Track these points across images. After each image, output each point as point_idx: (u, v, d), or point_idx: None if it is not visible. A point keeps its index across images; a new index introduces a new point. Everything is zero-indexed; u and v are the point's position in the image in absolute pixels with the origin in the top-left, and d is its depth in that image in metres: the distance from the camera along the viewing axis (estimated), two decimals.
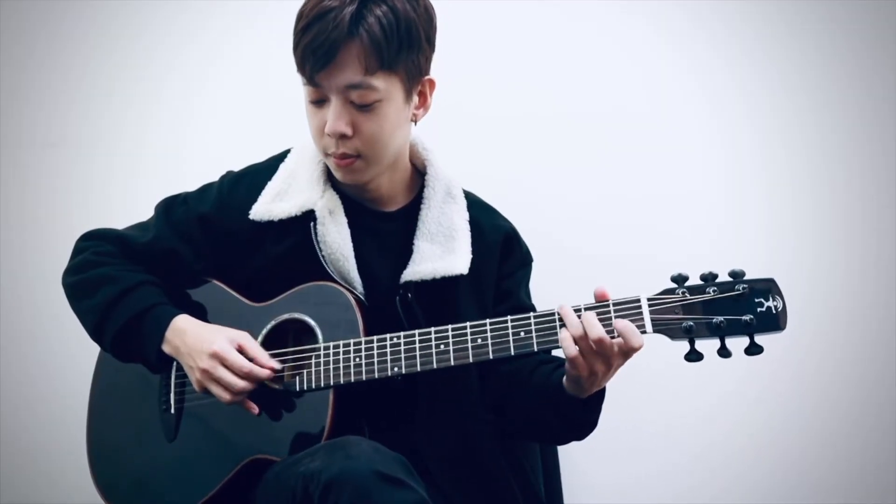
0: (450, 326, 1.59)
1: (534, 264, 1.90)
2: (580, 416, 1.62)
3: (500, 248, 1.83)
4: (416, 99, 1.70)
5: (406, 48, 1.61)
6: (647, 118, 2.29)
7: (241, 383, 1.62)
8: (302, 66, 1.62)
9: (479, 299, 1.78)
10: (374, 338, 1.62)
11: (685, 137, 2.28)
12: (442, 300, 1.73)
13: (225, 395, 1.64)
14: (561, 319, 1.52)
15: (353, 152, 1.66)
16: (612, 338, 1.48)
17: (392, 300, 1.71)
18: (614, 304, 1.50)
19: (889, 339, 2.17)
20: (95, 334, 1.76)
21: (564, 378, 1.57)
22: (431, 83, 1.72)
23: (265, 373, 1.64)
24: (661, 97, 2.29)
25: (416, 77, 1.67)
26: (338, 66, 1.59)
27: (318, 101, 1.65)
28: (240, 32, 2.41)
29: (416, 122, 1.74)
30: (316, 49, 1.58)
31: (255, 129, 2.37)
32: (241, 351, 1.66)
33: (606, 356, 1.49)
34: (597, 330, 1.47)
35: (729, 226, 2.25)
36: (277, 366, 1.66)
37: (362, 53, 1.59)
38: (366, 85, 1.61)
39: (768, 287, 1.45)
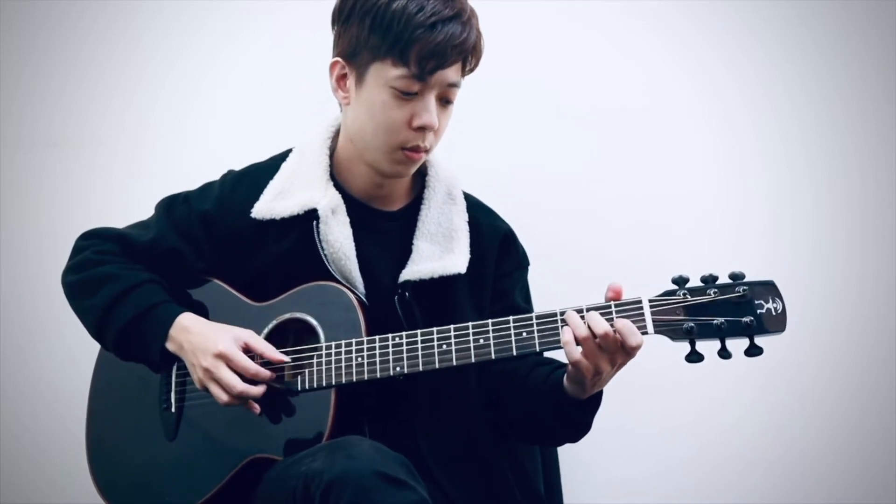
0: (452, 326, 1.59)
1: (535, 261, 1.91)
2: (577, 417, 1.62)
3: (497, 249, 1.84)
4: None
5: None
6: (647, 117, 2.29)
7: (240, 386, 1.62)
8: (421, 61, 1.62)
9: (476, 299, 1.79)
10: (376, 337, 1.62)
11: (686, 137, 2.29)
12: (440, 300, 1.74)
13: (223, 397, 1.63)
14: (564, 323, 1.52)
15: (429, 146, 1.70)
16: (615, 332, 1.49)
17: (392, 299, 1.72)
18: (616, 305, 1.50)
19: (889, 339, 2.17)
20: (97, 333, 1.76)
21: (565, 379, 1.58)
22: None
23: (268, 373, 1.64)
24: (662, 96, 2.30)
25: None
26: (455, 66, 1.66)
27: (410, 94, 1.65)
28: (240, 33, 2.41)
29: None
30: (454, 47, 1.63)
31: (255, 128, 2.37)
32: (247, 349, 1.66)
33: (611, 352, 1.49)
34: (602, 325, 1.48)
35: (729, 225, 2.25)
36: (286, 358, 1.67)
37: (470, 56, 1.68)
38: (459, 84, 1.70)
39: (768, 289, 1.46)
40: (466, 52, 1.66)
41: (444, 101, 1.69)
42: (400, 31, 1.61)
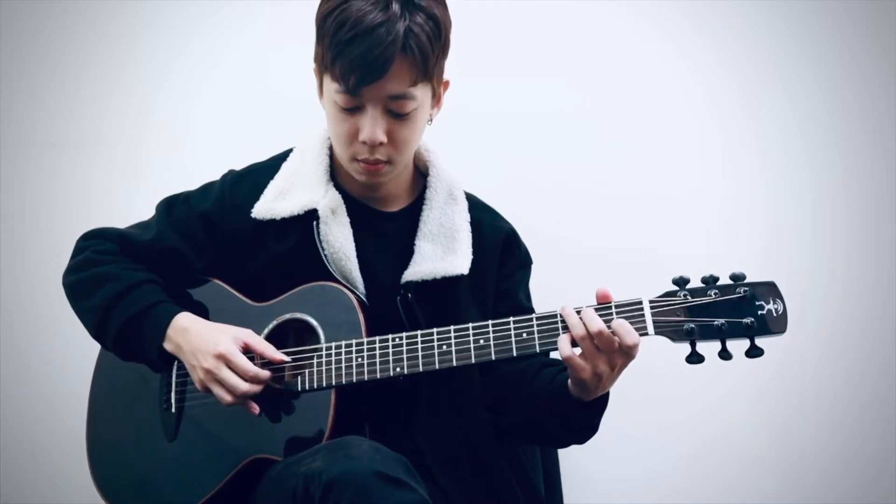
0: (452, 327, 1.59)
1: (535, 261, 1.90)
2: (582, 419, 1.61)
3: (500, 249, 1.83)
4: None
5: (441, 55, 1.64)
6: (647, 117, 2.30)
7: (244, 386, 1.62)
8: (345, 77, 1.58)
9: (479, 300, 1.79)
10: (376, 338, 1.62)
11: (685, 136, 2.29)
12: (442, 301, 1.73)
13: (227, 398, 1.63)
14: (563, 321, 1.52)
15: (385, 158, 1.67)
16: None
17: (393, 300, 1.72)
18: (616, 306, 1.50)
19: (889, 340, 2.18)
20: (97, 333, 1.76)
21: (569, 381, 1.57)
22: (447, 83, 1.74)
23: (267, 374, 1.64)
24: (662, 96, 2.30)
25: (441, 80, 1.69)
26: (386, 79, 1.58)
27: (352, 109, 1.64)
28: (240, 32, 2.41)
29: (431, 121, 1.75)
30: (369, 63, 1.55)
31: (255, 128, 2.37)
32: (247, 349, 1.66)
33: (609, 353, 1.48)
34: (596, 323, 1.47)
35: (728, 225, 2.26)
36: (287, 358, 1.66)
37: (411, 66, 1.59)
38: (409, 95, 1.62)
39: (769, 290, 1.45)
40: (388, 62, 1.55)
41: (394, 114, 1.63)
42: (328, 45, 1.59)
